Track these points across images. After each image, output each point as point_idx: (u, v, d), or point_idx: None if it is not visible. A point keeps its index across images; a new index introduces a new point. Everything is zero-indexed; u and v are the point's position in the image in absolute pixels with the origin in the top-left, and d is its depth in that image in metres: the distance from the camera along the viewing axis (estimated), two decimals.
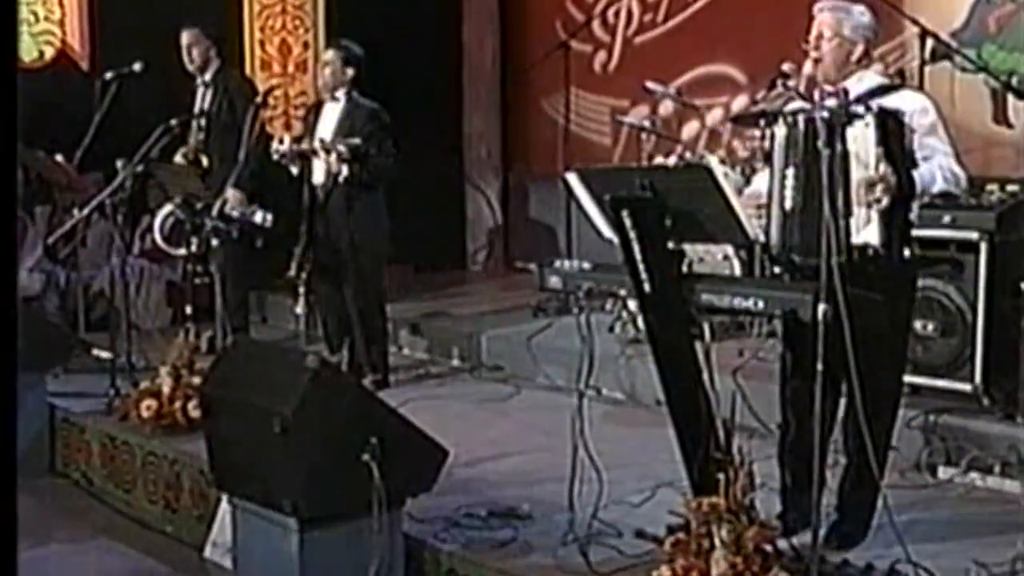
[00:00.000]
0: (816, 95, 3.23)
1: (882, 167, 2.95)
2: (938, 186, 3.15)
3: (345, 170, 5.23)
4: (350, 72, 5.42)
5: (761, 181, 3.36)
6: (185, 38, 6.11)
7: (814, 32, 3.26)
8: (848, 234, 2.97)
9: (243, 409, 3.51)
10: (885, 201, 2.95)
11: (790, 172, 3.13)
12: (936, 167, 3.15)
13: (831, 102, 3.20)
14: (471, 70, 8.59)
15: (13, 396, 1.39)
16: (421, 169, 7.62)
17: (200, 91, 6.15)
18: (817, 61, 3.24)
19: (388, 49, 7.23)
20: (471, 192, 8.74)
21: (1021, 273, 4.17)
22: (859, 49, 3.24)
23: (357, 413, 3.45)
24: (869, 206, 2.95)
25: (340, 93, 5.42)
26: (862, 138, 2.97)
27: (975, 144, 5.82)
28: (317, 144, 5.29)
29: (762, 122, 3.32)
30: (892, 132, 3.01)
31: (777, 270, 3.19)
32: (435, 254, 8.18)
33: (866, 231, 2.98)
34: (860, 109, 3.00)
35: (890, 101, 3.19)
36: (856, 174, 2.97)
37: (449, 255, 8.47)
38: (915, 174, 3.08)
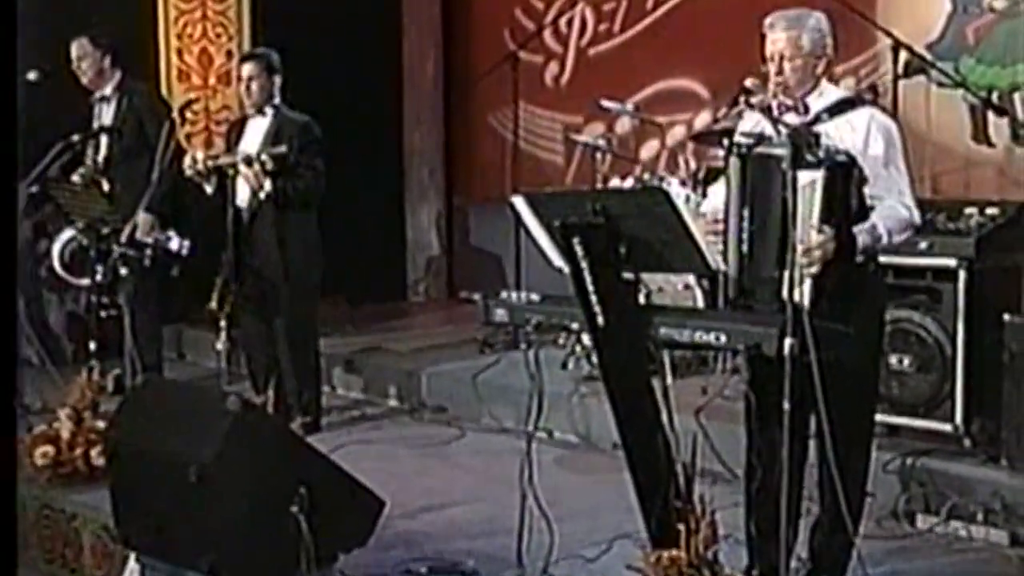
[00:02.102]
0: (775, 108, 3.27)
1: (820, 236, 3.00)
2: (883, 243, 3.21)
3: (269, 185, 5.20)
4: (277, 81, 5.42)
5: (718, 195, 3.40)
6: (74, 50, 5.97)
7: (770, 52, 3.29)
8: (779, 289, 3.02)
9: (154, 456, 3.46)
10: (816, 268, 3.00)
11: (746, 213, 3.17)
12: (881, 220, 3.17)
13: (790, 117, 3.26)
14: (411, 83, 8.61)
15: (13, 394, 1.39)
16: (356, 191, 7.62)
17: (98, 107, 6.06)
18: (781, 84, 3.27)
19: (319, 60, 7.25)
20: (411, 216, 8.74)
21: (1003, 302, 4.26)
22: (822, 62, 3.30)
23: (284, 460, 3.42)
24: (802, 269, 2.99)
25: (267, 107, 5.42)
26: (808, 192, 3.00)
27: (953, 164, 5.95)
28: (239, 157, 5.26)
29: (725, 141, 3.36)
30: (838, 194, 3.03)
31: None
32: (372, 284, 8.16)
33: (800, 289, 2.98)
34: (811, 156, 3.01)
35: (851, 118, 3.24)
36: (798, 229, 3.00)
37: (387, 285, 8.46)
38: (858, 234, 3.13)
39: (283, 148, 5.19)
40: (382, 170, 8.37)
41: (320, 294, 5.74)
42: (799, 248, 2.97)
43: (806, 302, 2.97)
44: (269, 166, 5.17)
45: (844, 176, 3.06)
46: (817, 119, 3.26)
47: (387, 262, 8.49)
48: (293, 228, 5.34)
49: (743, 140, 3.23)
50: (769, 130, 3.21)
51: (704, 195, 5.17)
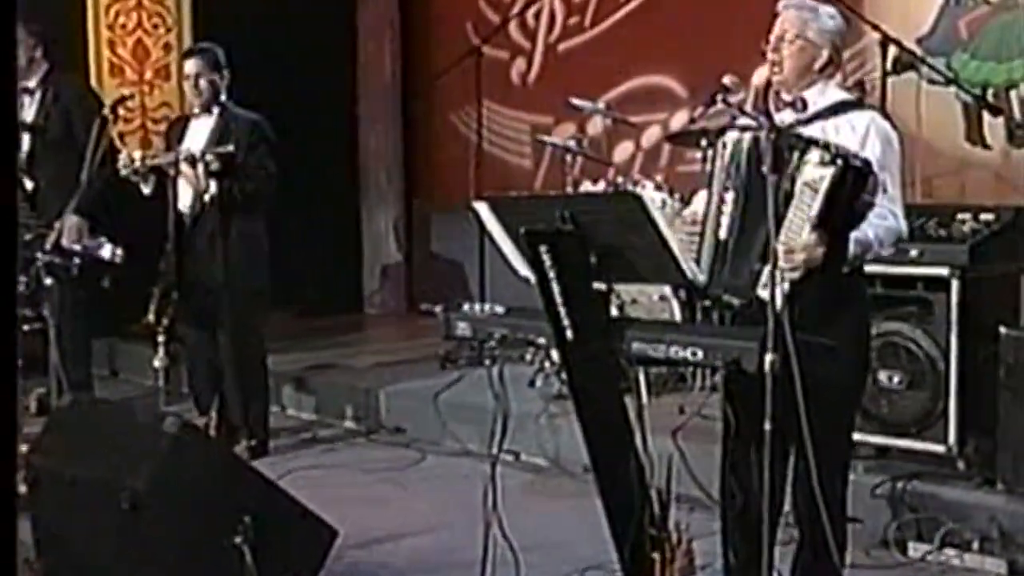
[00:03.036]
0: (772, 104, 3.29)
1: (813, 236, 3.00)
2: (874, 252, 3.23)
3: (214, 187, 5.18)
4: (224, 77, 5.40)
5: (700, 202, 3.41)
6: None
7: (775, 32, 3.33)
8: (755, 283, 3.03)
9: (82, 483, 3.43)
10: (798, 274, 3.01)
11: (729, 196, 3.19)
12: (870, 229, 3.17)
13: (786, 114, 3.28)
14: (367, 79, 8.61)
15: (13, 396, 1.61)
16: (308, 195, 7.60)
17: (22, 100, 6.01)
18: (775, 65, 3.30)
19: (267, 54, 7.23)
20: (367, 222, 8.73)
21: (999, 313, 4.30)
22: (823, 55, 3.31)
23: (227, 486, 3.40)
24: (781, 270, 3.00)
25: (213, 105, 5.39)
26: (809, 189, 3.01)
27: (946, 167, 6.01)
28: (181, 156, 5.23)
29: (703, 142, 3.37)
30: (845, 193, 3.01)
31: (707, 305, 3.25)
32: (325, 296, 8.15)
33: (767, 290, 2.97)
34: (817, 150, 3.02)
35: (852, 118, 3.26)
36: (790, 222, 3.01)
37: (341, 296, 8.45)
38: (852, 239, 3.15)
39: (230, 147, 5.17)
40: (336, 173, 8.37)
41: (269, 306, 5.71)
42: (781, 248, 2.97)
43: (778, 304, 2.97)
44: (214, 166, 5.14)
45: (855, 180, 3.05)
46: (816, 117, 3.28)
47: (341, 272, 8.49)
48: (238, 234, 5.31)
49: (740, 122, 3.25)
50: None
51: (684, 200, 5.20)
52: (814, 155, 3.01)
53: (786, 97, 3.31)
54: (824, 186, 2.98)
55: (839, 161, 2.98)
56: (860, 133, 3.23)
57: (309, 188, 7.64)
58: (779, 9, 3.35)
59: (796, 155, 3.03)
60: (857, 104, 3.40)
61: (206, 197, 5.22)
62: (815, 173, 3.00)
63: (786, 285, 2.97)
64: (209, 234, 5.29)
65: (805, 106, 3.28)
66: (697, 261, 3.20)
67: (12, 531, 1.57)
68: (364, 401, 6.12)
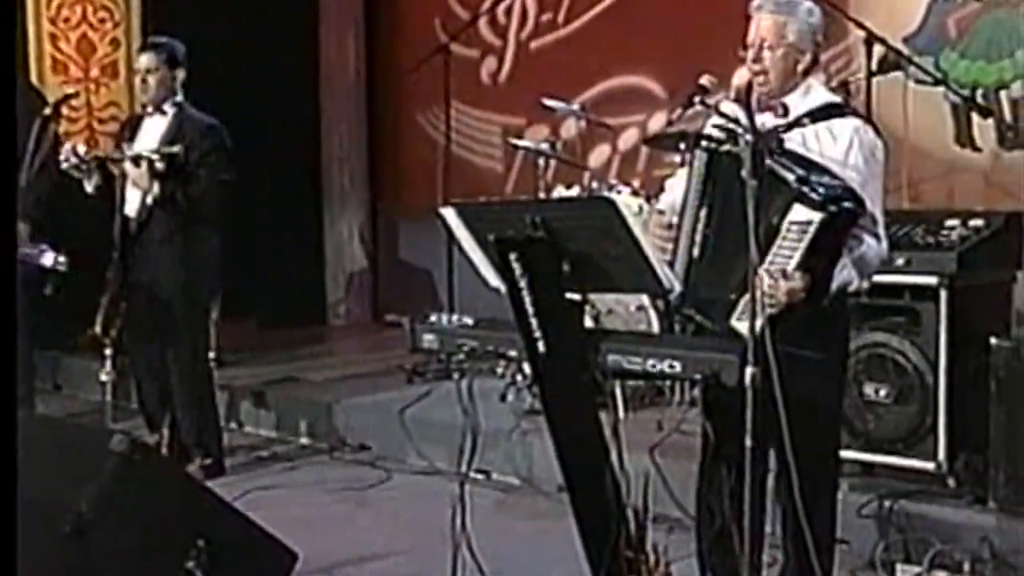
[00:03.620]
0: (754, 105, 3.29)
1: (798, 275, 3.02)
2: (854, 286, 3.26)
3: (157, 188, 5.13)
4: (180, 75, 5.36)
5: (677, 189, 3.41)
6: None
7: (752, 37, 3.31)
8: (729, 312, 3.04)
9: (22, 505, 3.38)
10: (775, 311, 3.02)
11: (704, 214, 3.19)
12: (851, 264, 3.20)
13: (767, 117, 3.29)
14: (329, 77, 8.60)
15: (13, 396, 1.67)
16: (268, 200, 7.59)
17: None
18: (759, 75, 3.29)
19: (223, 50, 7.20)
20: (330, 228, 8.71)
21: (989, 324, 4.32)
22: (807, 57, 3.32)
23: (179, 508, 3.37)
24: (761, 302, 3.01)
25: (167, 105, 5.35)
26: (796, 228, 3.01)
27: (933, 171, 6.04)
28: (127, 154, 5.19)
29: (682, 145, 3.38)
30: (831, 237, 3.04)
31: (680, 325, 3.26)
32: (285, 305, 8.12)
33: (744, 324, 2.99)
34: (814, 193, 3.02)
35: (834, 126, 3.27)
36: (771, 259, 3.02)
37: (303, 306, 8.42)
38: (834, 276, 3.16)
39: (176, 148, 5.13)
40: (297, 176, 8.35)
41: (224, 317, 5.69)
42: (764, 284, 2.98)
43: (744, 331, 2.98)
44: (158, 166, 5.10)
45: (844, 223, 3.07)
46: (797, 123, 3.29)
47: (303, 281, 8.47)
48: (189, 241, 5.28)
49: (715, 132, 3.26)
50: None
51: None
52: (808, 196, 3.01)
53: (769, 101, 3.32)
54: (812, 229, 3.00)
55: (831, 207, 2.99)
56: (843, 144, 3.24)
57: (269, 192, 7.62)
58: (752, 11, 3.33)
59: (786, 196, 3.02)
60: (841, 108, 3.41)
61: (149, 199, 5.18)
62: (803, 214, 3.01)
63: (761, 319, 2.97)
64: (157, 241, 5.25)
65: (787, 111, 3.30)
66: (671, 265, 3.21)
67: (12, 531, 1.56)
68: (326, 417, 6.10)
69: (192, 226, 5.28)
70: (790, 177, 3.03)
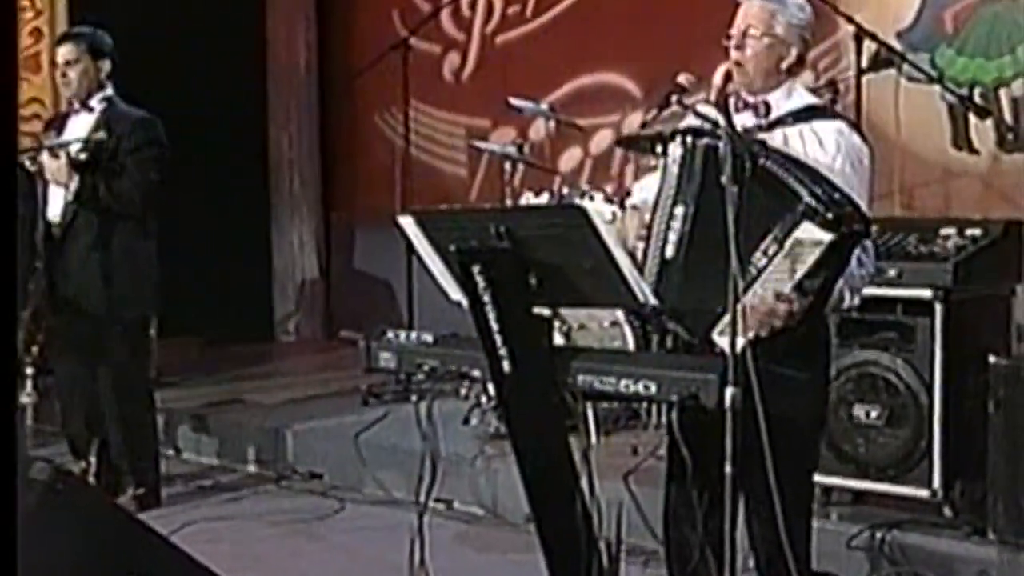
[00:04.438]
0: (731, 105, 3.32)
1: (795, 295, 3.03)
2: (846, 303, 3.29)
3: (75, 183, 5.08)
4: (105, 66, 5.33)
5: (651, 187, 3.43)
6: None
7: (738, 26, 3.35)
8: (712, 326, 3.06)
9: None
10: (764, 333, 3.04)
11: (679, 211, 3.21)
12: (844, 284, 3.22)
13: (746, 117, 3.32)
14: (278, 73, 8.59)
15: (13, 396, 1.76)
16: (211, 205, 7.57)
17: None
18: (739, 64, 3.33)
19: (159, 43, 7.18)
20: (278, 237, 8.70)
21: (988, 340, 4.36)
22: (792, 53, 3.34)
23: (108, 542, 3.35)
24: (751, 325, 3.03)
25: (95, 100, 5.33)
26: (799, 249, 3.02)
27: (928, 176, 6.10)
28: (44, 144, 5.16)
29: (658, 147, 3.40)
30: (833, 263, 3.05)
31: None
32: (230, 321, 8.08)
33: (727, 340, 2.98)
34: (829, 212, 3.03)
35: (819, 129, 3.31)
36: (766, 275, 3.05)
37: (249, 322, 8.40)
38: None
39: (102, 134, 5.09)
40: (242, 180, 8.33)
41: (162, 332, 5.67)
42: (754, 304, 3.00)
43: (725, 346, 3.01)
44: (80, 156, 5.05)
45: (852, 245, 3.10)
46: (779, 122, 3.31)
47: (249, 293, 8.45)
48: (120, 248, 5.22)
49: (696, 125, 3.27)
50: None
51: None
52: (821, 214, 3.00)
53: (748, 99, 3.35)
54: (820, 250, 2.99)
55: (843, 229, 2.99)
56: (830, 148, 3.27)
57: (212, 197, 7.61)
58: None
59: (794, 210, 3.03)
60: (825, 111, 3.45)
61: (68, 194, 5.12)
62: (813, 233, 3.00)
63: (749, 334, 3.00)
64: (83, 248, 5.19)
65: (768, 110, 3.33)
66: (640, 270, 3.21)
67: (12, 531, 1.82)
68: (274, 442, 6.08)
69: (122, 231, 5.22)
70: (802, 192, 3.00)
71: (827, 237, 2.99)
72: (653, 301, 3.08)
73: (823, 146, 3.28)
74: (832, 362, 3.55)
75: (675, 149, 3.24)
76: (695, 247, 3.18)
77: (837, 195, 3.05)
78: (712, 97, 3.33)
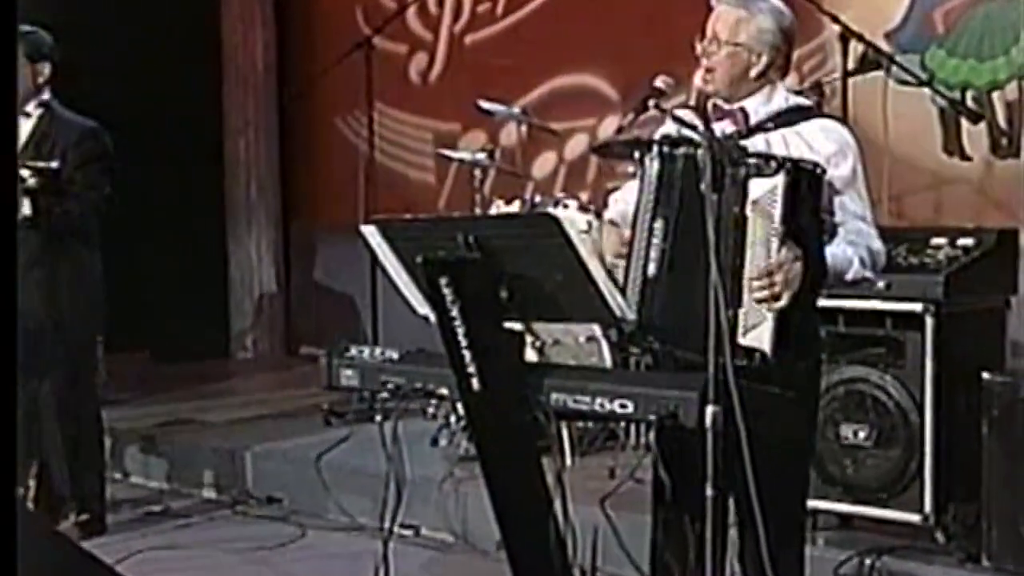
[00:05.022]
0: (710, 113, 3.35)
1: (784, 251, 3.09)
2: (854, 271, 3.32)
3: (28, 207, 5.07)
4: (45, 69, 5.31)
5: (627, 198, 3.45)
6: None
7: (707, 30, 3.39)
8: (734, 331, 3.09)
9: None
10: (785, 299, 3.09)
11: (659, 226, 3.23)
12: (851, 245, 3.30)
13: (725, 124, 3.34)
14: (234, 75, 8.58)
15: (13, 396, 1.76)
16: (164, 216, 7.55)
17: None
18: (708, 71, 3.37)
19: (103, 42, 7.16)
20: (235, 247, 8.68)
21: (981, 356, 4.38)
22: (761, 62, 3.37)
23: (49, 573, 3.33)
24: (762, 302, 3.07)
25: (31, 105, 5.30)
26: (763, 205, 3.09)
27: (919, 183, 6.13)
28: None
29: (636, 153, 3.41)
30: (804, 200, 3.13)
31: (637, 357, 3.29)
32: (184, 336, 8.07)
33: (756, 332, 3.08)
34: (768, 164, 3.10)
35: (801, 132, 3.34)
36: (752, 251, 3.08)
37: (204, 337, 8.38)
38: (828, 254, 3.24)
39: (53, 164, 5.08)
40: (196, 187, 8.32)
41: (110, 348, 5.65)
42: (754, 277, 3.04)
43: (766, 346, 3.04)
44: (30, 183, 5.05)
45: (811, 184, 3.14)
46: (759, 128, 3.34)
47: (203, 307, 8.42)
48: (65, 263, 5.22)
49: (671, 133, 3.31)
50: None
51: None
52: (759, 167, 3.09)
53: (725, 107, 3.38)
54: (779, 197, 3.06)
55: (788, 166, 3.07)
56: (820, 149, 3.30)
57: (163, 206, 7.59)
58: (713, 3, 3.42)
59: (739, 177, 3.09)
60: (808, 111, 3.48)
61: (21, 219, 5.12)
62: (763, 187, 3.08)
63: (769, 322, 3.03)
64: (27, 263, 5.18)
65: (747, 118, 3.35)
66: (623, 291, 3.23)
67: (12, 531, 1.94)
68: (229, 465, 6.06)
69: (68, 246, 5.21)
70: (748, 162, 3.11)
71: (779, 180, 3.05)
72: (631, 316, 3.09)
73: (812, 148, 3.31)
74: (819, 386, 3.57)
75: (652, 160, 3.26)
76: (678, 262, 3.19)
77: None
78: (692, 101, 3.37)
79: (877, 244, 3.37)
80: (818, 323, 3.37)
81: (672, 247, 3.20)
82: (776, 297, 3.08)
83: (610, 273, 3.14)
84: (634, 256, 3.25)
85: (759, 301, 3.09)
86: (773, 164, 3.09)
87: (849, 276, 3.32)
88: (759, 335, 3.08)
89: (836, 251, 3.27)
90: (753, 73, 3.38)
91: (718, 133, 3.25)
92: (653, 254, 3.23)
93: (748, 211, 3.10)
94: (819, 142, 3.33)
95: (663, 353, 3.21)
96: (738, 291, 3.10)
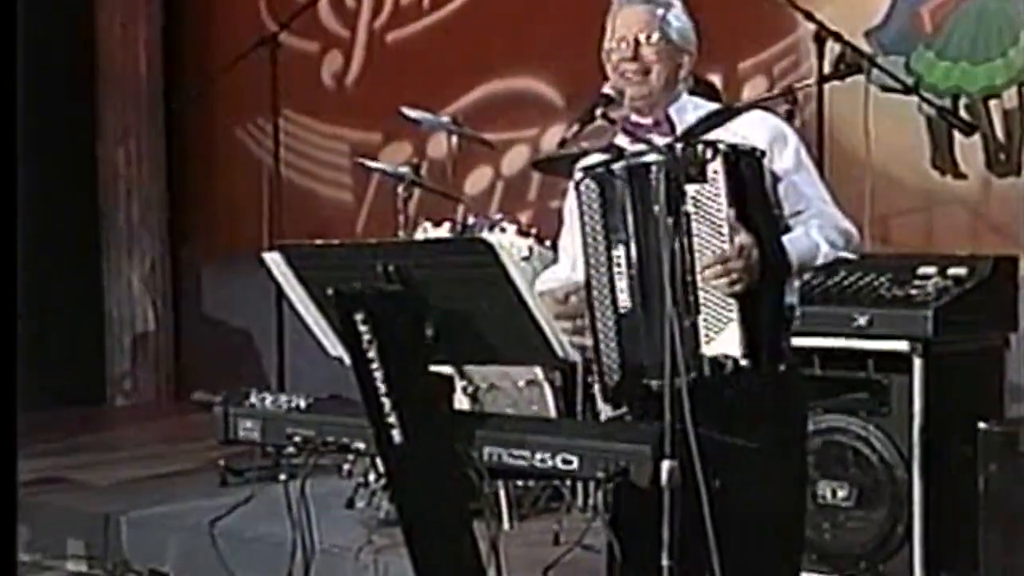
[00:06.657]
0: (630, 125, 3.41)
1: (737, 238, 3.15)
2: (823, 255, 3.37)
3: None
4: None
5: (559, 270, 3.50)
6: None
7: (620, 34, 3.43)
8: (697, 341, 3.13)
9: None
10: (740, 287, 3.13)
11: (619, 253, 3.26)
12: (815, 227, 3.36)
13: (651, 137, 3.40)
14: (112, 77, 8.54)
15: (13, 396, 1.80)
16: (26, 240, 7.47)
17: None
18: (638, 75, 3.41)
19: None
20: (112, 277, 8.64)
21: (976, 402, 4.45)
22: (687, 61, 3.47)
23: None
24: (719, 292, 3.12)
25: None
26: (705, 195, 3.15)
27: (906, 203, 6.19)
28: None
29: (576, 171, 3.45)
30: (748, 182, 3.20)
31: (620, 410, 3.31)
32: (52, 380, 8.01)
33: (722, 337, 3.13)
34: (706, 151, 3.18)
35: (733, 128, 3.40)
36: (701, 249, 3.14)
37: (76, 382, 8.32)
38: (786, 241, 3.30)
39: None
40: (66, 207, 8.25)
41: None
42: (707, 265, 3.09)
43: (736, 350, 3.08)
44: None
45: (753, 167, 3.21)
46: (688, 135, 3.40)
47: (75, 346, 8.36)
48: None
49: (596, 158, 3.37)
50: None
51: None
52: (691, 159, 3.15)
53: (644, 120, 3.43)
54: (722, 182, 3.12)
55: (724, 148, 3.15)
56: (760, 143, 3.36)
57: (27, 229, 7.52)
58: (615, 5, 3.48)
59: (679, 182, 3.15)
60: (737, 110, 3.56)
61: None
62: (702, 182, 3.13)
63: (733, 321, 3.08)
64: None
65: (673, 127, 3.41)
66: (597, 349, 3.25)
67: (12, 530, 1.68)
68: (103, 532, 6.02)
69: None
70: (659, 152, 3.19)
71: (717, 163, 3.12)
72: (575, 357, 3.12)
73: (748, 141, 3.37)
74: (807, 437, 3.60)
75: (588, 187, 3.30)
76: (650, 289, 3.22)
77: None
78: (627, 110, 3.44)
79: (845, 223, 3.42)
80: (790, 321, 3.41)
81: (639, 276, 3.24)
82: (735, 283, 3.12)
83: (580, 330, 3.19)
84: (596, 295, 3.28)
85: (716, 290, 3.13)
86: (709, 152, 3.14)
87: (820, 260, 3.37)
88: (725, 340, 3.11)
89: (796, 236, 3.32)
90: (683, 73, 3.47)
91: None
92: (621, 286, 3.26)
93: (690, 208, 3.14)
94: (754, 134, 3.39)
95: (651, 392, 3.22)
96: (694, 298, 3.14)
